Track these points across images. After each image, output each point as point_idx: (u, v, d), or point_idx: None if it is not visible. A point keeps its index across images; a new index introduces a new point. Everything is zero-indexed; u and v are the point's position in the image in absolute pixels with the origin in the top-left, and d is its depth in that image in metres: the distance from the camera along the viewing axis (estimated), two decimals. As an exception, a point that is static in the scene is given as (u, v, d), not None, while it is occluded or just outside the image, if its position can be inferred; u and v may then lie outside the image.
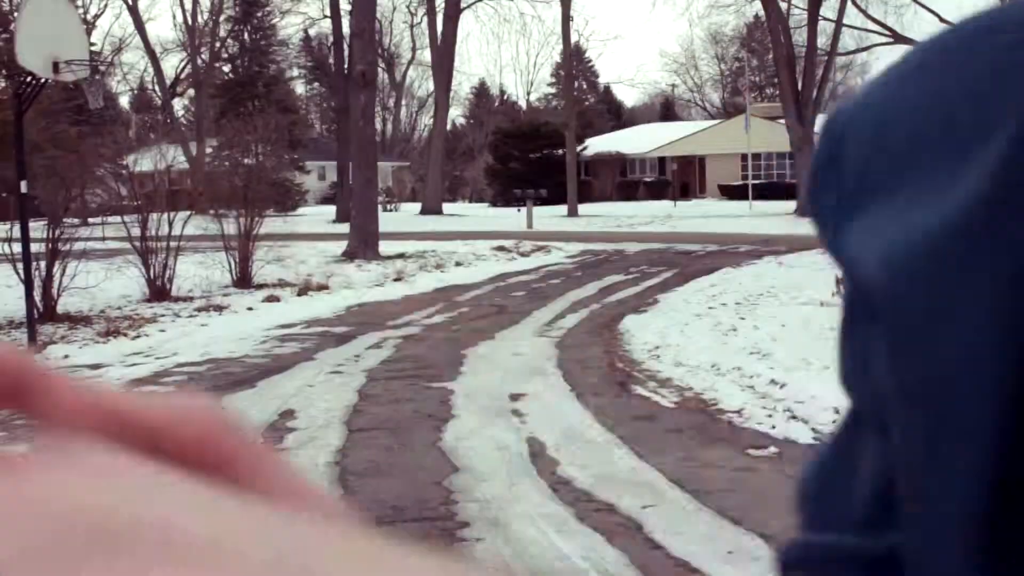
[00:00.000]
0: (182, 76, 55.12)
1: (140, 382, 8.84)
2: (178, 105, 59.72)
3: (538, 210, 35.42)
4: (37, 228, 12.03)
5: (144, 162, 16.87)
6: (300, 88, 70.96)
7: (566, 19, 40.38)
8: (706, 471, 5.63)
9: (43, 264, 12.52)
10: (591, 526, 4.77)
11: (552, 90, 76.85)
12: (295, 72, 64.13)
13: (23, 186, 10.71)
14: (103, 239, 14.61)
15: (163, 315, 13.15)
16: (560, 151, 45.98)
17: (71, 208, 14.70)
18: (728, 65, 72.68)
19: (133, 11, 49.55)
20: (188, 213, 15.83)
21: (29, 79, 10.66)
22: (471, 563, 0.20)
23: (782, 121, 35.95)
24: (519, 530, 4.75)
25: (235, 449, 0.24)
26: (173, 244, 14.95)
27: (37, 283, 11.91)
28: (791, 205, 35.16)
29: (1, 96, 13.98)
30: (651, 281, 16.35)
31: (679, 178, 49.44)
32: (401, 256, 21.56)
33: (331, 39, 44.15)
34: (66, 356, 10.25)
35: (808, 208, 0.44)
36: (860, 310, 0.40)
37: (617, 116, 72.24)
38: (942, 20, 31.99)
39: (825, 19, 34.60)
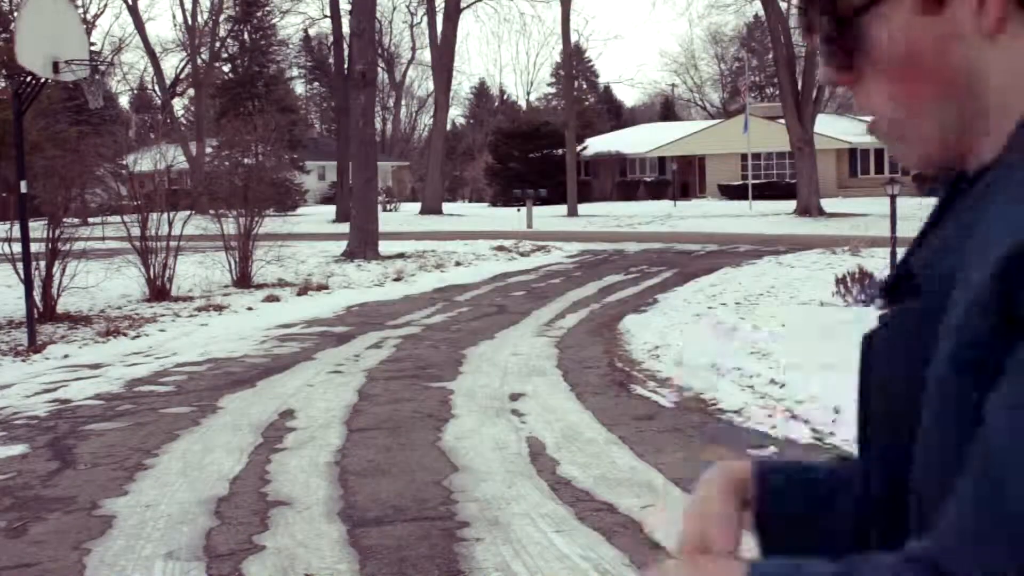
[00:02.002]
0: (182, 76, 55.07)
1: (140, 382, 8.85)
2: (178, 105, 59.72)
3: (538, 210, 35.40)
4: (37, 228, 12.01)
5: (144, 162, 16.87)
6: (300, 88, 70.94)
7: (566, 19, 40.33)
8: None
9: (43, 264, 12.52)
10: (591, 526, 4.77)
11: (552, 90, 76.78)
12: (295, 72, 64.08)
13: (23, 186, 10.71)
14: (103, 239, 14.61)
15: (163, 315, 13.15)
16: (560, 151, 45.93)
17: (71, 208, 14.69)
18: (728, 65, 72.55)
19: (133, 11, 49.53)
20: (188, 213, 15.81)
21: (29, 79, 10.65)
22: None
23: (782, 121, 35.91)
24: (519, 530, 4.75)
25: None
26: (173, 244, 14.95)
27: (37, 283, 11.90)
28: (791, 205, 35.15)
29: (1, 96, 13.96)
30: (651, 281, 16.35)
31: (679, 178, 49.39)
32: (401, 256, 21.56)
33: (331, 39, 44.15)
34: (66, 356, 10.25)
35: None
36: None
37: (617, 116, 72.00)
38: (942, 20, 31.97)
39: (825, 19, 34.51)
